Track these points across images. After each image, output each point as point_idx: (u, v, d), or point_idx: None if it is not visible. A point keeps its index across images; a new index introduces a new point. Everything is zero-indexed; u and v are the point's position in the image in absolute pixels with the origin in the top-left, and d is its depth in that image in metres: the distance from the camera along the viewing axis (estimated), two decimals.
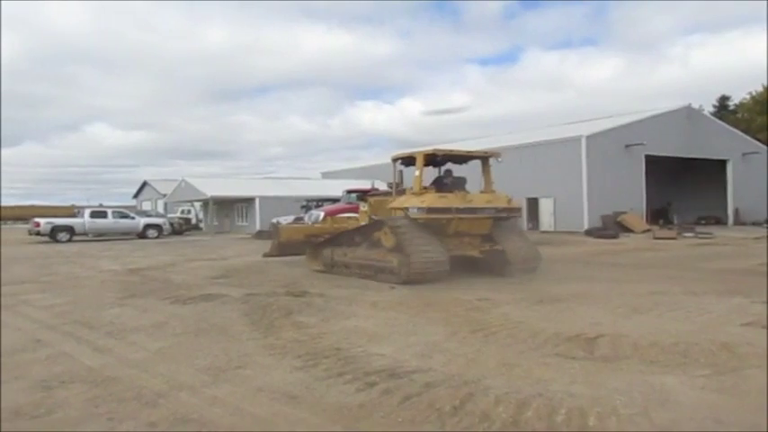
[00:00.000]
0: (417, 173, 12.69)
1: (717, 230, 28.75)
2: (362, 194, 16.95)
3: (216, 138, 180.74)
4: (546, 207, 32.42)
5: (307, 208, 29.47)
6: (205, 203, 44.35)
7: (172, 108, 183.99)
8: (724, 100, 57.49)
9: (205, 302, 9.32)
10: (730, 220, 36.11)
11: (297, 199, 35.95)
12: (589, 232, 28.16)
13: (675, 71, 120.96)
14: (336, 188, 35.35)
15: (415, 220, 11.86)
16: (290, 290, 10.51)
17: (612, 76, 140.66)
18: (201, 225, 47.14)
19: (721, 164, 36.79)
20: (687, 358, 5.52)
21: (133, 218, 34.25)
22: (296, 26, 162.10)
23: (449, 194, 12.28)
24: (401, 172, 13.82)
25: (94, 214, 32.89)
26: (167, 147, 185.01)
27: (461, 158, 14.10)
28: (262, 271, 14.12)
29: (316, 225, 18.15)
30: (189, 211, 47.70)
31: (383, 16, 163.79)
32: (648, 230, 28.46)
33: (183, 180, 45.15)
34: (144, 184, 74.93)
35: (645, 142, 31.44)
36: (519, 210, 13.29)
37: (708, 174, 37.52)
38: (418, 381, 4.88)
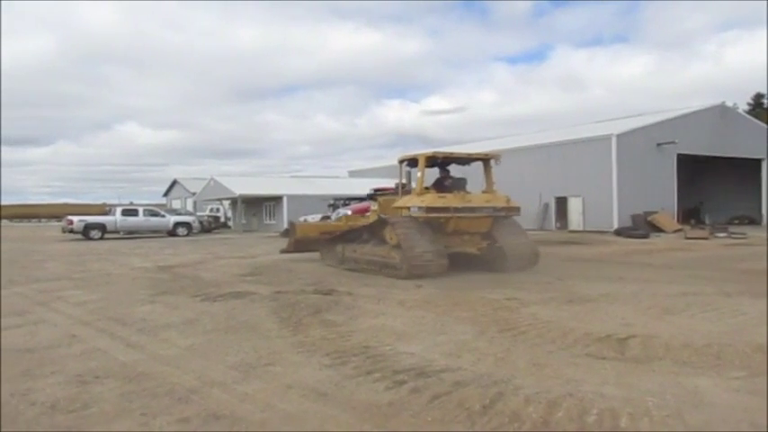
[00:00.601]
0: (419, 174, 13.41)
1: (750, 231, 28.14)
2: (373, 194, 17.51)
3: (244, 137, 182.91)
4: (575, 206, 32.08)
5: (334, 206, 29.57)
6: (234, 202, 44.82)
7: (201, 107, 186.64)
8: (759, 98, 56.38)
9: (234, 300, 9.42)
10: (764, 220, 35.31)
11: (324, 197, 36.13)
12: (619, 232, 27.80)
13: (709, 68, 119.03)
14: (363, 187, 35.42)
15: (416, 218, 12.54)
16: (318, 288, 10.57)
17: (643, 73, 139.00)
18: (230, 223, 47.63)
19: (755, 163, 35.97)
20: (721, 360, 5.42)
21: (163, 216, 34.73)
22: (324, 25, 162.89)
23: (448, 195, 13.00)
24: (409, 173, 14.33)
25: (126, 212, 33.44)
26: (196, 145, 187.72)
27: (462, 160, 14.57)
28: (290, 269, 14.22)
29: (329, 223, 19.10)
30: (218, 210, 48.25)
31: (412, 15, 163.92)
32: (680, 230, 28.01)
33: (212, 179, 45.68)
34: (174, 183, 75.94)
35: (677, 141, 30.94)
36: (517, 209, 13.67)
37: (741, 173, 36.81)
38: (447, 380, 4.88)
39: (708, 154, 33.37)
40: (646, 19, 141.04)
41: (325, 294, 9.81)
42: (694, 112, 33.73)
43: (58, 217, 63.77)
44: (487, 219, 13.14)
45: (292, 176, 55.55)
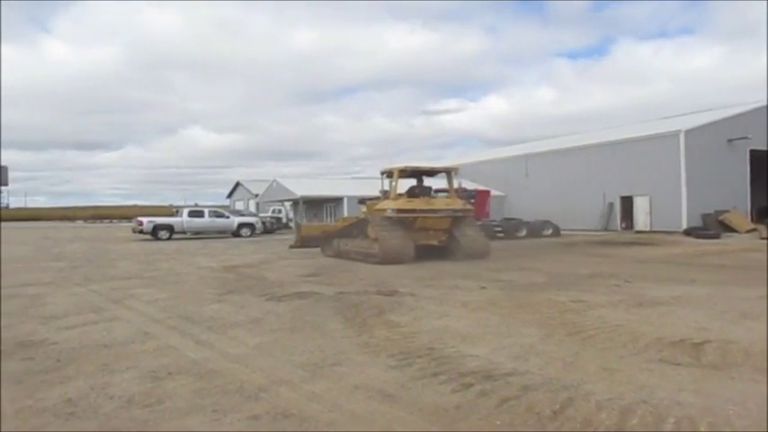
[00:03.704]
0: (393, 183, 16.93)
1: None
2: (362, 199, 20.13)
3: (303, 138, 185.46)
4: (641, 206, 31.11)
5: None
6: (295, 203, 45.41)
7: (262, 110, 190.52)
8: None
9: (299, 300, 9.55)
10: None
11: None
12: (688, 232, 26.85)
13: None
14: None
15: (390, 218, 16.14)
16: (380, 289, 10.60)
17: (712, 66, 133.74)
18: (291, 224, 48.32)
19: None
20: None
21: (228, 217, 35.54)
22: (381, 26, 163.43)
23: (416, 199, 16.80)
24: (390, 182, 17.42)
25: (192, 213, 34.38)
26: (258, 148, 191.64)
27: (429, 172, 18.60)
28: (351, 270, 14.34)
29: (329, 223, 24.78)
30: (280, 211, 49.01)
31: (469, 14, 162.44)
32: (754, 230, 26.80)
33: (274, 180, 46.44)
34: (237, 185, 77.75)
35: (750, 136, 29.57)
36: (471, 210, 17.48)
37: None
38: (515, 383, 4.80)
39: None
40: (713, 8, 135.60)
41: (388, 295, 9.83)
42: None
43: (128, 218, 66.25)
44: (447, 218, 16.66)
45: (352, 178, 55.92)
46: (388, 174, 17.71)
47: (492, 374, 5.06)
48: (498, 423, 3.98)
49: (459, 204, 17.05)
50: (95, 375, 5.29)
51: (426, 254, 16.52)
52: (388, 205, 16.45)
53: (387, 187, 17.75)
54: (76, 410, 4.38)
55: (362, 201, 19.61)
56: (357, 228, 18.22)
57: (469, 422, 4.01)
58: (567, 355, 5.72)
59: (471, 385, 4.77)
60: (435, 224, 16.73)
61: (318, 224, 26.13)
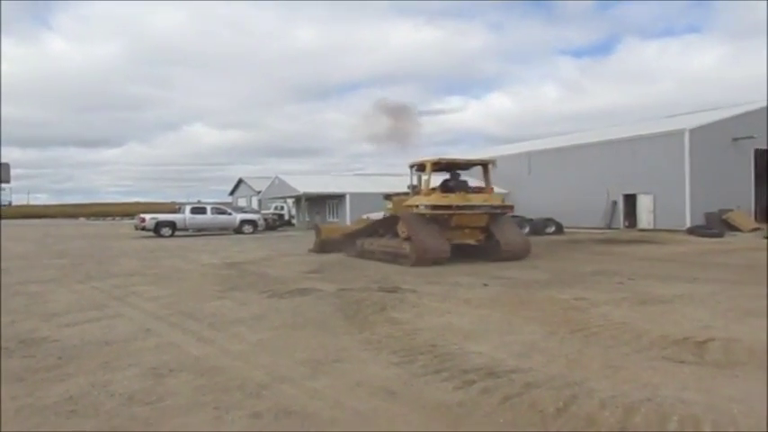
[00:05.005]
0: (425, 177, 15.64)
1: None
2: (388, 194, 19.09)
3: (306, 135, 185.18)
4: (644, 204, 30.99)
5: None
6: (297, 200, 45.38)
7: (264, 107, 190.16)
8: None
9: (301, 297, 9.53)
10: None
11: (386, 195, 36.14)
12: (692, 230, 26.71)
13: None
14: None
15: (423, 215, 14.67)
16: (382, 285, 10.58)
17: (717, 65, 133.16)
18: (294, 221, 48.31)
19: None
20: None
21: (230, 214, 35.51)
22: (385, 23, 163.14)
23: (451, 194, 15.17)
24: (419, 176, 16.42)
25: (195, 210, 34.37)
26: (260, 145, 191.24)
27: (464, 165, 16.80)
28: (353, 267, 14.31)
29: (347, 226, 22.64)
30: (282, 208, 49.01)
31: (474, 10, 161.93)
32: (757, 229, 26.70)
33: (276, 177, 46.42)
34: (239, 182, 77.75)
35: (755, 135, 29.44)
36: (511, 207, 16.37)
37: None
38: (518, 381, 4.77)
39: None
40: (719, 7, 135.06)
41: (390, 292, 9.80)
42: None
43: (131, 215, 66.23)
44: (484, 215, 15.15)
45: (355, 174, 55.87)
46: (419, 167, 16.34)
47: (495, 372, 5.03)
48: (501, 421, 3.96)
49: (497, 200, 15.85)
50: (97, 373, 5.27)
51: (459, 254, 15.17)
52: (421, 201, 15.01)
53: (416, 182, 16.61)
54: (78, 408, 4.36)
55: (388, 196, 18.54)
56: (384, 226, 16.63)
57: (472, 420, 3.99)
58: (570, 353, 5.69)
59: (474, 382, 4.74)
60: (472, 221, 15.20)
61: (340, 227, 23.72)
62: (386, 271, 13.14)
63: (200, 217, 33.71)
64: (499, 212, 15.49)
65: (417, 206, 14.92)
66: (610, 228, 32.01)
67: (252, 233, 34.09)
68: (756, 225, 27.84)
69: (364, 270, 13.43)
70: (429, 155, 17.27)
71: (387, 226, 16.30)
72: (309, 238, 28.45)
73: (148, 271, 14.30)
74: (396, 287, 10.34)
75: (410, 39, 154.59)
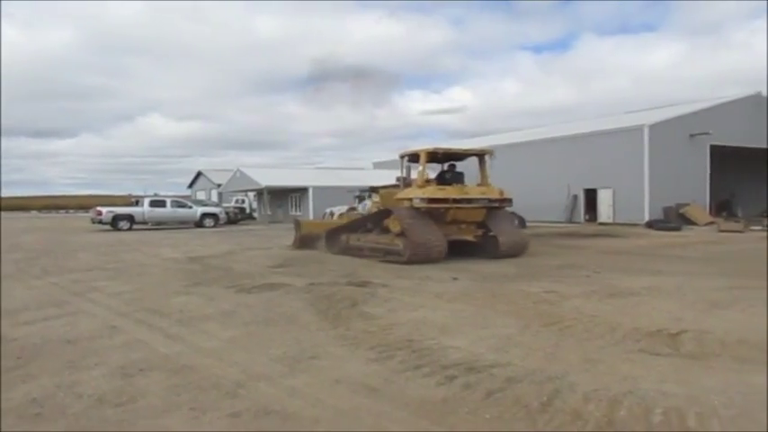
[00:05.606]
0: (421, 168, 14.62)
1: None
2: (374, 187, 18.31)
3: (266, 128, 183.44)
4: (605, 198, 31.56)
5: (360, 198, 29.42)
6: (259, 193, 44.96)
7: (223, 99, 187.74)
8: None
9: (270, 291, 9.35)
10: None
11: (349, 189, 35.97)
12: (650, 224, 27.31)
13: (739, 57, 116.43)
14: (388, 178, 35.18)
15: (418, 208, 13.59)
16: (351, 280, 10.46)
17: (672, 62, 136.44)
18: (255, 215, 47.79)
19: None
20: None
21: (190, 207, 34.92)
22: (346, 16, 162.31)
23: (447, 187, 14.16)
24: (409, 167, 15.62)
25: (154, 203, 33.66)
26: (219, 137, 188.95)
27: (460, 156, 15.77)
28: (319, 261, 14.15)
29: (331, 220, 21.18)
30: (243, 201, 48.40)
31: (435, 5, 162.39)
32: (712, 223, 27.46)
33: (237, 170, 45.86)
34: (198, 174, 76.50)
35: (711, 132, 30.23)
36: (509, 200, 14.82)
37: None
38: (499, 375, 4.72)
39: (743, 145, 32.51)
40: (674, 6, 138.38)
41: (360, 286, 9.69)
42: (730, 102, 32.88)
43: (85, 208, 64.61)
44: (482, 209, 14.29)
45: (317, 168, 55.54)
46: (411, 157, 15.41)
47: (474, 366, 4.98)
48: (488, 417, 3.89)
49: (495, 193, 14.49)
50: (61, 373, 5.03)
51: (451, 251, 13.78)
52: (416, 194, 13.79)
53: (406, 173, 15.61)
54: (43, 411, 4.14)
55: (374, 189, 17.51)
56: (372, 221, 15.58)
57: (458, 416, 3.92)
58: (546, 346, 5.68)
59: (455, 378, 4.67)
60: (469, 216, 14.21)
61: (322, 222, 21.86)
62: (353, 265, 13.00)
63: (159, 210, 33.06)
64: (497, 206, 14.60)
65: (411, 199, 13.78)
66: (571, 222, 32.50)
67: (213, 227, 33.59)
68: (711, 219, 28.62)
69: (331, 264, 13.28)
70: (391, 149, 16.93)
71: (376, 221, 15.34)
72: (273, 232, 28.28)
73: (108, 266, 13.88)
74: (365, 281, 10.22)
75: (371, 32, 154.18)
